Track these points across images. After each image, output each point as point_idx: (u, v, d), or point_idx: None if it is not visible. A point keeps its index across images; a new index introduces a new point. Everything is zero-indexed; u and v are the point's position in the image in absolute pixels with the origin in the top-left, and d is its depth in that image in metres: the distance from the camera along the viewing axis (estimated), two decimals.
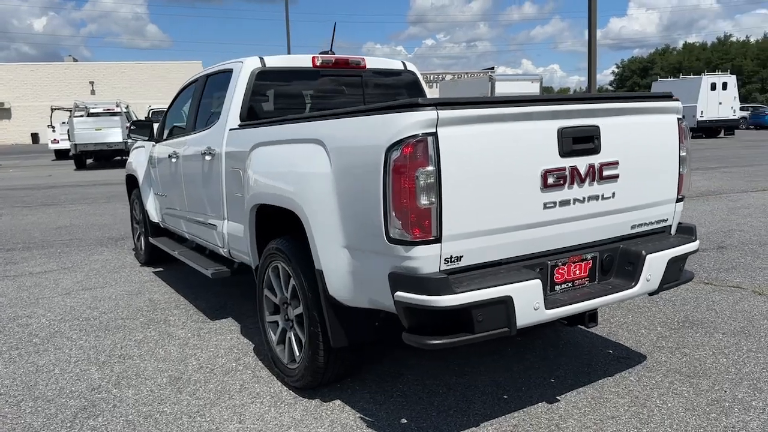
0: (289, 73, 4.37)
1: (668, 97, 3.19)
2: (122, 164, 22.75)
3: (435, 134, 2.39)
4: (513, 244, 2.67)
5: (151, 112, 29.25)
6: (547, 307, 2.63)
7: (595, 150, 2.83)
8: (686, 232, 3.30)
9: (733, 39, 72.42)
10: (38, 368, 3.81)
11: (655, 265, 2.99)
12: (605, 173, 2.88)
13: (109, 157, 22.41)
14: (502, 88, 26.00)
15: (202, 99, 4.86)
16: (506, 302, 2.49)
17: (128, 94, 42.47)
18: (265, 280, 3.58)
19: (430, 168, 2.39)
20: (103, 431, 3.01)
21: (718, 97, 27.51)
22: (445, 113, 2.41)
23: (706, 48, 71.61)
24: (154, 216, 6.00)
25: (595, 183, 2.86)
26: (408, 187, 2.40)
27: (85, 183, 16.14)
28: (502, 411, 3.08)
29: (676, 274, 3.14)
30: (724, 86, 27.90)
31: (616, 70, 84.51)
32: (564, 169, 2.73)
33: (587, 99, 2.92)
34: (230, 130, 4.09)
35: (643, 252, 2.97)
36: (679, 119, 3.20)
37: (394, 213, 2.45)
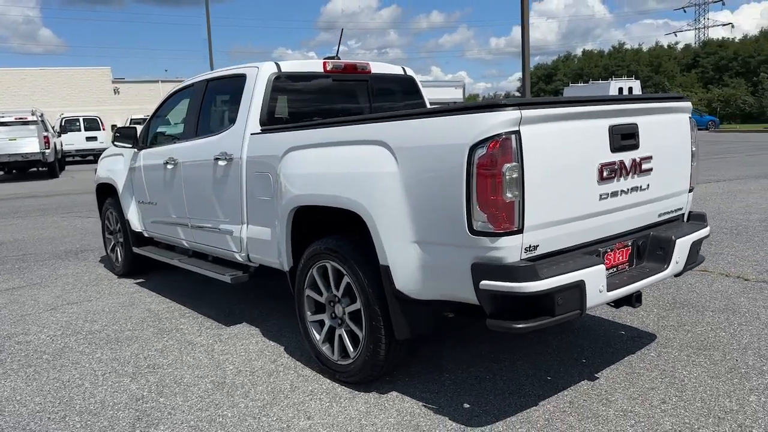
0: (302, 77, 4.44)
1: (681, 98, 3.54)
2: (38, 176, 21.55)
3: (518, 132, 2.58)
4: (575, 233, 2.91)
5: (63, 120, 27.81)
6: (608, 290, 2.88)
7: (636, 146, 3.12)
8: (698, 218, 3.67)
9: (627, 47, 77.38)
10: (65, 384, 3.68)
11: (682, 248, 3.33)
12: (643, 167, 3.18)
13: (24, 168, 21.11)
14: (428, 94, 26.51)
15: (203, 105, 4.82)
16: (580, 286, 2.72)
17: (31, 102, 39.97)
18: (307, 280, 3.64)
19: (515, 164, 2.58)
20: None
21: None
22: (527, 112, 2.61)
23: (604, 55, 76.05)
24: (137, 225, 5.84)
25: (636, 176, 3.15)
26: (494, 182, 2.57)
27: (7, 196, 15.17)
28: (552, 390, 3.30)
29: (695, 256, 3.49)
30: (630, 90, 29.89)
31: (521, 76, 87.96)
32: (615, 163, 3.00)
33: (628, 99, 3.22)
34: (251, 134, 4.11)
35: (673, 237, 3.29)
36: (690, 118, 3.56)
37: (478, 207, 2.62)
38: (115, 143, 5.65)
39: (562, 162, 2.77)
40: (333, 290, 3.48)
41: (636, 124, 3.12)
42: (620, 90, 29.62)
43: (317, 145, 3.52)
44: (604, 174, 2.96)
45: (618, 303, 3.25)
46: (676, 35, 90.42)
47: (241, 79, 4.38)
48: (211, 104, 4.86)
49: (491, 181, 2.58)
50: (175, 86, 5.57)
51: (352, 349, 3.40)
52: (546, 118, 2.70)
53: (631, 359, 3.66)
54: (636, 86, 30.40)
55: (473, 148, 2.61)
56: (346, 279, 3.35)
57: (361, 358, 3.31)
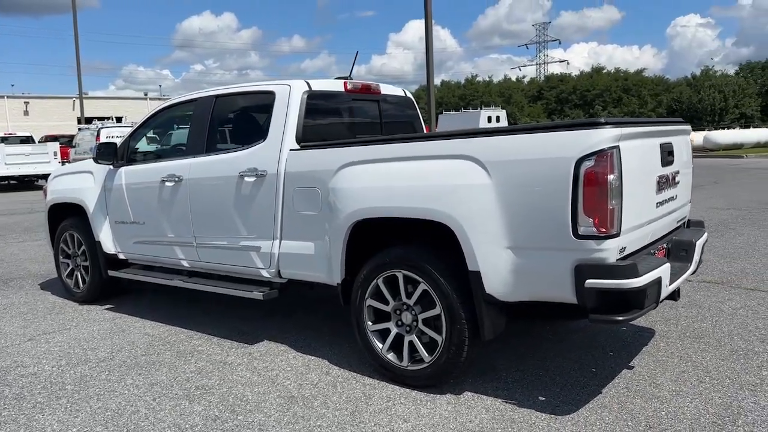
0: (328, 96, 4.55)
1: (684, 122, 4.16)
2: None
3: (618, 147, 2.97)
4: (642, 237, 3.34)
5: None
6: (668, 285, 3.33)
7: (673, 161, 3.64)
8: (698, 225, 4.29)
9: (479, 79, 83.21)
10: (117, 412, 3.47)
11: (699, 249, 3.89)
12: (675, 179, 3.71)
13: None
14: None
15: (212, 121, 4.74)
16: (659, 282, 3.14)
17: None
18: (369, 291, 3.75)
19: (616, 175, 2.95)
20: None
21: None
22: (624, 130, 3.01)
23: (460, 86, 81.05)
24: (111, 247, 5.50)
25: (672, 187, 3.66)
26: (600, 191, 2.93)
27: None
28: (604, 380, 3.69)
29: (701, 256, 4.08)
30: (498, 119, 32.21)
31: None
32: (664, 176, 3.49)
33: (667, 122, 3.74)
34: (290, 150, 4.15)
35: (693, 239, 3.85)
36: (690, 139, 4.19)
37: (584, 213, 2.95)
38: (99, 160, 5.31)
39: (639, 174, 3.19)
40: (403, 298, 3.63)
41: (672, 143, 3.64)
42: (489, 118, 31.79)
43: (384, 159, 3.67)
44: (660, 185, 3.43)
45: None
46: (520, 69, 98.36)
47: (268, 95, 4.39)
48: (223, 121, 4.79)
49: (598, 190, 2.93)
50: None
51: (426, 354, 3.55)
52: (632, 135, 3.11)
53: (648, 349, 4.16)
54: (502, 115, 32.85)
55: (580, 161, 2.94)
56: (421, 287, 3.52)
57: (440, 361, 3.48)
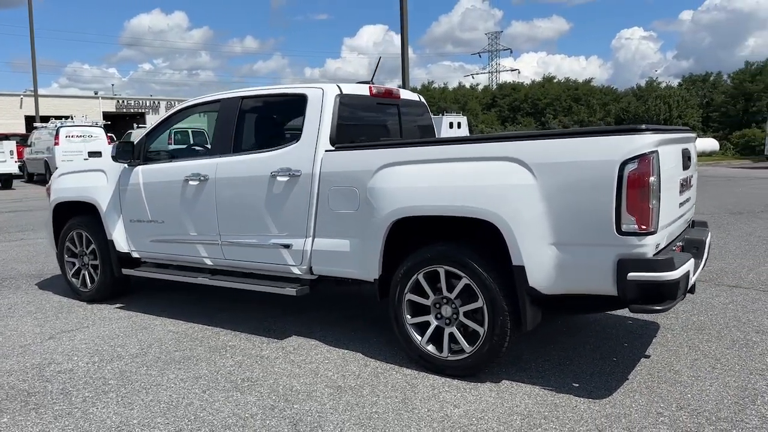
0: (356, 99, 4.71)
1: (692, 129, 4.51)
2: None
3: (657, 152, 3.25)
4: (668, 234, 3.64)
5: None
6: (692, 278, 3.64)
7: (689, 166, 3.96)
8: (702, 225, 4.64)
9: (435, 86, 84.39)
10: (171, 404, 3.55)
11: (707, 247, 4.23)
12: (690, 182, 4.04)
13: None
14: None
15: (239, 122, 4.84)
16: (688, 274, 3.44)
17: None
18: (409, 286, 3.94)
19: (656, 177, 3.24)
20: None
21: (456, 134, 32.20)
22: (661, 136, 3.30)
23: (416, 91, 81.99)
24: (124, 246, 5.52)
25: (688, 189, 3.99)
26: (642, 191, 3.21)
27: None
28: (626, 368, 3.97)
29: (708, 253, 4.43)
30: (459, 125, 32.78)
31: None
32: (684, 178, 3.81)
33: (684, 130, 4.06)
34: (326, 151, 4.31)
35: (703, 238, 4.19)
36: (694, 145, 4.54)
37: (627, 211, 3.23)
38: (119, 159, 5.32)
39: (669, 176, 3.49)
40: (444, 292, 3.83)
41: (689, 149, 3.97)
42: (451, 124, 32.32)
43: (427, 161, 3.87)
44: (681, 187, 3.75)
45: None
46: (473, 77, 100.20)
47: (300, 98, 4.53)
48: (251, 122, 4.90)
49: (640, 190, 3.21)
50: None
51: (467, 345, 3.76)
52: (666, 141, 3.41)
53: (658, 340, 4.48)
54: (464, 121, 33.44)
55: (624, 164, 3.22)
56: (463, 281, 3.73)
57: (482, 351, 3.70)
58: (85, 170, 5.91)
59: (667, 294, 3.32)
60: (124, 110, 49.45)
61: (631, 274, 3.25)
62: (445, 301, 3.86)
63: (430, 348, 3.92)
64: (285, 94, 4.74)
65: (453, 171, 3.74)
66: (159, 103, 51.10)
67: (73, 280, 5.97)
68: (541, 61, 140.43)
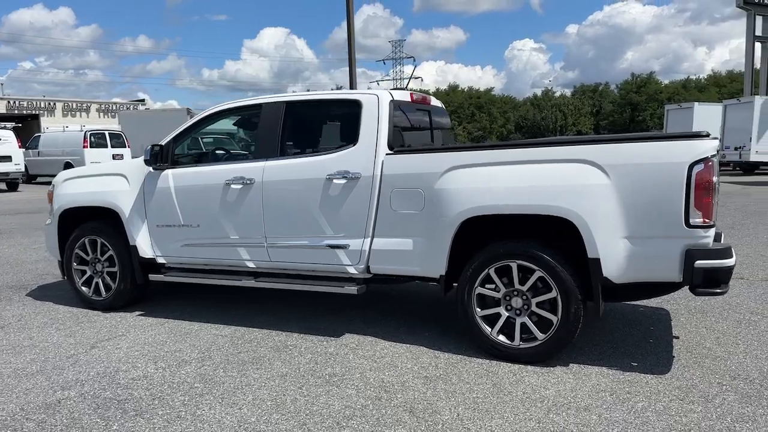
0: (403, 105, 4.93)
1: None
2: None
3: (716, 155, 3.74)
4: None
5: None
6: None
7: None
8: None
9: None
10: (279, 402, 3.62)
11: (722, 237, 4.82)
12: None
13: None
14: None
15: (285, 126, 4.92)
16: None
17: None
18: (479, 280, 4.22)
19: (716, 177, 3.72)
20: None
21: None
22: (716, 142, 3.78)
23: None
24: (148, 252, 5.41)
25: None
26: (708, 189, 3.68)
27: None
28: (666, 348, 4.45)
29: None
30: None
31: None
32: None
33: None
34: (387, 154, 4.51)
35: (720, 232, 4.76)
36: None
37: (694, 207, 3.69)
38: (153, 163, 5.20)
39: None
40: (516, 285, 4.14)
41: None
42: None
43: (498, 163, 4.17)
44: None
45: None
46: (378, 84, 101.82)
47: (352, 104, 4.70)
48: (299, 126, 4.98)
49: (705, 188, 3.68)
50: None
51: (540, 333, 4.09)
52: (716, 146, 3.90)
53: (676, 323, 5.02)
54: None
55: (692, 165, 3.67)
56: (537, 274, 4.06)
57: (556, 338, 4.04)
58: (100, 174, 5.71)
59: (724, 278, 3.80)
60: (16, 111, 46.08)
61: (698, 262, 3.70)
62: (515, 293, 4.17)
63: (501, 338, 4.21)
64: (335, 99, 4.89)
65: (528, 172, 4.06)
66: (55, 104, 48.07)
67: (84, 289, 5.74)
68: (440, 69, 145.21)
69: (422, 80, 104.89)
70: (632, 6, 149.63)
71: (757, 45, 31.36)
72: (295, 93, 5.05)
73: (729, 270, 3.76)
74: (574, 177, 3.93)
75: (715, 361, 4.15)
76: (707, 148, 3.70)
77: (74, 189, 5.77)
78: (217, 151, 5.79)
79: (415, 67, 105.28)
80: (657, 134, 4.03)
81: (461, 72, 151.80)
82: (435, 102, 5.65)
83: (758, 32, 30.99)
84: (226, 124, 6.02)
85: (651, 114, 69.02)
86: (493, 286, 4.22)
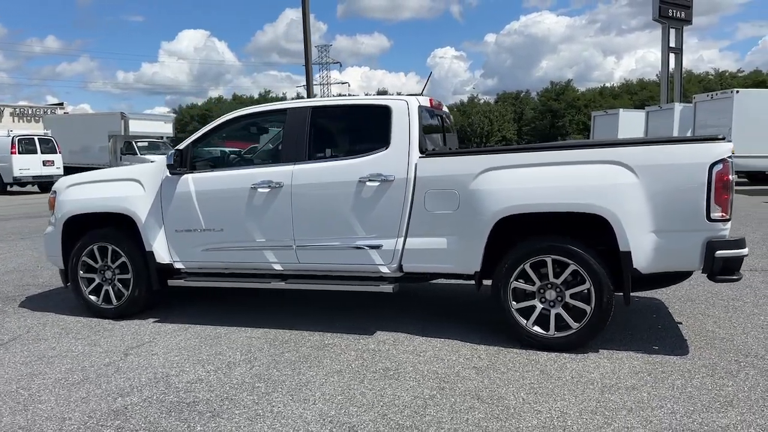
0: (426, 110, 5.15)
1: None
2: None
3: (732, 155, 4.18)
4: None
5: None
6: None
7: None
8: None
9: (273, 95, 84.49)
10: (349, 395, 3.75)
11: None
12: None
13: None
14: (137, 127, 25.77)
15: (311, 131, 5.03)
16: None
17: None
18: (515, 275, 4.49)
19: (733, 176, 4.16)
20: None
21: None
22: (731, 144, 4.23)
23: (254, 101, 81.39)
24: (165, 257, 5.36)
25: None
26: (726, 186, 4.11)
27: None
28: (677, 333, 4.88)
29: None
30: None
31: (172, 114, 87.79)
32: None
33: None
34: (420, 157, 4.72)
35: None
36: None
37: (714, 202, 4.11)
38: (176, 168, 5.16)
39: None
40: (550, 278, 4.44)
41: None
42: None
43: (532, 164, 4.46)
44: None
45: None
46: (305, 88, 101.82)
47: (381, 109, 4.89)
48: (327, 131, 5.11)
49: (723, 186, 4.10)
50: None
51: (574, 322, 4.40)
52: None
53: (672, 310, 5.48)
54: None
55: (712, 165, 4.09)
56: (571, 267, 4.37)
57: (589, 326, 4.36)
58: (110, 180, 5.60)
59: (738, 266, 4.25)
60: None
61: (719, 252, 4.12)
62: (549, 286, 4.46)
63: (536, 328, 4.50)
64: (363, 105, 5.05)
65: (562, 173, 4.37)
66: (3, 109, 44.44)
67: (92, 297, 5.61)
68: (365, 75, 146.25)
69: (349, 85, 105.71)
70: (546, 16, 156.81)
71: (671, 55, 33.63)
72: (321, 98, 5.17)
73: (742, 258, 4.20)
74: (607, 177, 4.27)
75: (723, 342, 4.60)
76: (725, 149, 4.12)
77: (81, 195, 5.63)
78: (218, 156, 5.82)
79: (320, 69, 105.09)
80: (679, 137, 4.46)
81: (386, 78, 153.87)
82: (445, 108, 5.91)
83: (672, 44, 33.28)
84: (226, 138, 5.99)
85: (570, 120, 72.34)
86: (528, 280, 4.50)
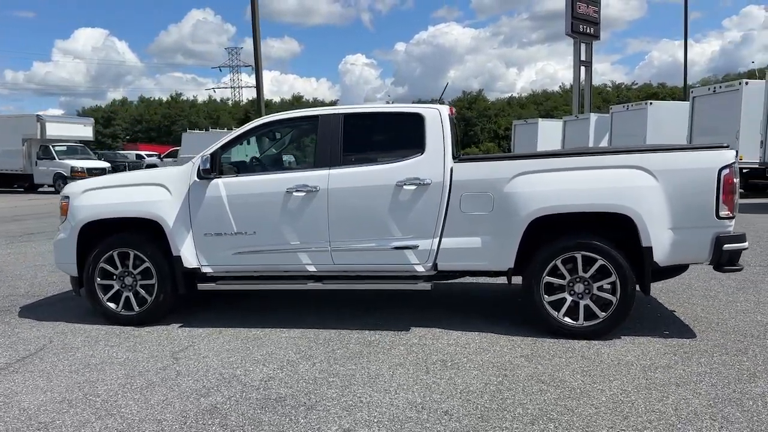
0: (451, 118, 5.48)
1: None
2: None
3: (737, 161, 4.80)
4: None
5: None
6: None
7: None
8: None
9: (184, 98, 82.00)
10: (426, 386, 3.99)
11: None
12: None
13: None
14: (54, 130, 24.50)
15: (344, 137, 5.23)
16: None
17: None
18: (546, 270, 4.90)
19: (738, 179, 4.77)
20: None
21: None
22: (734, 151, 4.84)
23: (163, 103, 78.60)
24: (193, 262, 5.38)
25: None
26: (732, 188, 4.71)
27: None
28: (671, 317, 5.46)
29: None
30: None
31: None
32: None
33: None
34: (455, 162, 5.05)
35: None
36: None
37: (723, 202, 4.70)
38: (209, 174, 5.19)
39: None
40: (579, 273, 4.88)
41: None
42: None
43: (561, 169, 4.89)
44: None
45: None
46: (215, 91, 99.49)
47: (414, 116, 5.19)
48: (358, 137, 5.31)
49: (730, 188, 4.70)
50: None
51: (601, 312, 4.86)
52: None
53: (671, 300, 6.09)
54: None
55: (721, 170, 4.68)
56: (599, 262, 4.83)
57: (615, 315, 4.83)
58: (132, 184, 5.52)
59: (739, 258, 4.86)
60: None
61: (726, 246, 4.72)
62: (578, 279, 4.90)
63: (567, 319, 4.92)
64: (396, 112, 5.32)
65: (590, 177, 4.83)
66: None
67: (111, 304, 5.50)
68: (276, 79, 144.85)
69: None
70: (453, 27, 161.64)
71: (582, 68, 35.84)
72: (352, 105, 5.36)
73: (742, 252, 4.82)
74: (630, 180, 4.77)
75: (720, 325, 5.22)
76: (731, 156, 4.73)
77: (99, 200, 5.51)
78: (243, 160, 5.90)
79: (231, 72, 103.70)
80: (693, 145, 5.02)
81: (297, 83, 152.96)
82: (454, 113, 6.26)
83: (583, 57, 35.49)
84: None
85: (482, 128, 74.99)
86: (558, 275, 4.92)
